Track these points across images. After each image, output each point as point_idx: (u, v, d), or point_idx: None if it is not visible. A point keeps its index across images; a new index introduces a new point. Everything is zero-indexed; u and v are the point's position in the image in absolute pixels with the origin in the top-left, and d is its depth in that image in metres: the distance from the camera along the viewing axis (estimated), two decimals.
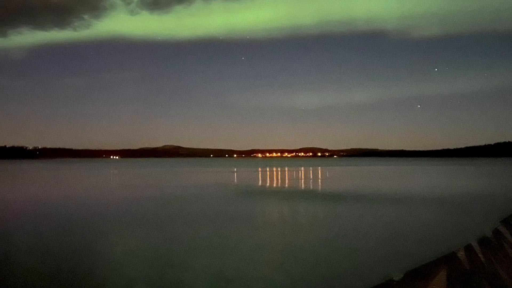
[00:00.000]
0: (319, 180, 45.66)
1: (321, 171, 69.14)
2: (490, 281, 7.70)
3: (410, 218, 16.80)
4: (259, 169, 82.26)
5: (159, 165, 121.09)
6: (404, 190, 30.08)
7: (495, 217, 15.85)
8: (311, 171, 68.88)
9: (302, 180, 44.09)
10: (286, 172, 67.42)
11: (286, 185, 37.15)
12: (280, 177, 51.17)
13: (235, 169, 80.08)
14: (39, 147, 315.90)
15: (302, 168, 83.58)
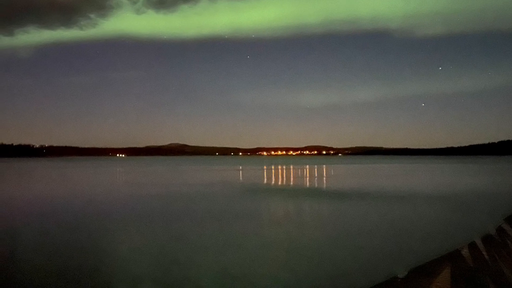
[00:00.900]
0: (324, 178, 45.65)
1: (325, 169, 69.08)
2: (494, 278, 7.74)
3: (414, 215, 16.83)
4: (264, 167, 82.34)
5: (165, 163, 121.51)
6: (408, 188, 30.06)
7: (499, 215, 15.85)
8: (316, 169, 68.83)
9: (307, 178, 44.12)
10: (291, 170, 67.43)
11: (291, 183, 37.21)
12: (285, 175, 51.20)
13: (240, 167, 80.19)
14: (46, 145, 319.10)
15: (307, 166, 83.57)
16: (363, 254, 10.24)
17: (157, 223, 15.00)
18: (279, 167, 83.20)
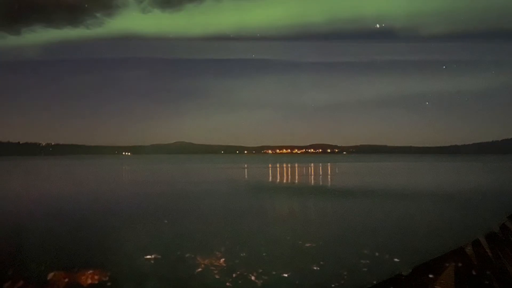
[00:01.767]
0: (329, 176, 45.67)
1: (330, 167, 69.02)
2: (497, 276, 7.81)
3: (418, 213, 16.89)
4: (270, 165, 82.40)
5: (170, 161, 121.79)
6: (412, 186, 30.07)
7: (503, 213, 15.86)
8: (320, 167, 68.81)
9: (312, 176, 44.17)
10: (296, 168, 67.46)
11: (296, 181, 37.28)
12: (290, 173, 51.26)
13: (245, 166, 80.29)
14: (52, 144, 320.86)
15: (312, 165, 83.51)
16: (368, 252, 10.32)
17: (163, 221, 15.12)
18: (284, 165, 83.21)
